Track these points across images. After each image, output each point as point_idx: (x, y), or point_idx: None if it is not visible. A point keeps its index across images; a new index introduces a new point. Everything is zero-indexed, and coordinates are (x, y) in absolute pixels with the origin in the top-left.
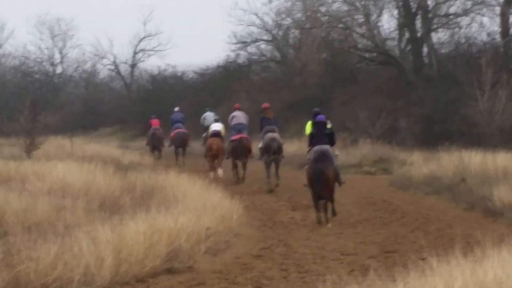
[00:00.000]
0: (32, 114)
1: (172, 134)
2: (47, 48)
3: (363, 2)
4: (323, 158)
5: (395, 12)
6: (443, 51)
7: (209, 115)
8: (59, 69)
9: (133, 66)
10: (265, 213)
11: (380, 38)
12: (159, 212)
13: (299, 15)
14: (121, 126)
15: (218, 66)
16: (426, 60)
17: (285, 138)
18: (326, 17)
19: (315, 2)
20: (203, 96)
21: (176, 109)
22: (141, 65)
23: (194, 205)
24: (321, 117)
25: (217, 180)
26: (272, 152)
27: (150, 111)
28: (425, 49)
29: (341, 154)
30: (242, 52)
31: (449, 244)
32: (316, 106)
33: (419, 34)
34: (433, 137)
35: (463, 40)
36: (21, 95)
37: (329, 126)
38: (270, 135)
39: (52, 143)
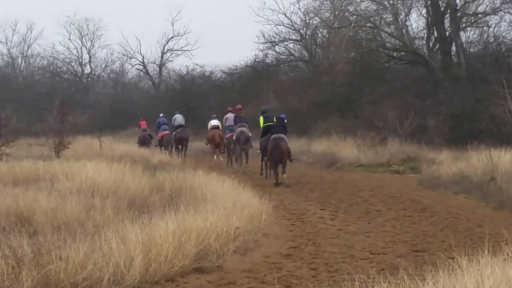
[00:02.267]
0: (61, 114)
1: (159, 135)
2: (75, 48)
3: (391, 1)
4: (280, 139)
5: (424, 11)
6: (471, 50)
7: (178, 116)
8: (87, 69)
9: (161, 66)
10: (293, 212)
11: (409, 37)
12: (188, 212)
13: (327, 14)
14: (150, 126)
15: (246, 66)
16: (454, 59)
17: (313, 137)
18: (354, 16)
19: (343, 1)
20: (231, 95)
21: (161, 115)
22: (169, 65)
23: (223, 205)
24: (283, 115)
25: (219, 164)
26: (242, 143)
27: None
28: (453, 48)
29: (369, 153)
30: (270, 52)
31: (478, 243)
32: (345, 105)
33: (447, 33)
34: (461, 136)
35: (491, 39)
36: (50, 95)
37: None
38: (240, 129)
39: (81, 143)
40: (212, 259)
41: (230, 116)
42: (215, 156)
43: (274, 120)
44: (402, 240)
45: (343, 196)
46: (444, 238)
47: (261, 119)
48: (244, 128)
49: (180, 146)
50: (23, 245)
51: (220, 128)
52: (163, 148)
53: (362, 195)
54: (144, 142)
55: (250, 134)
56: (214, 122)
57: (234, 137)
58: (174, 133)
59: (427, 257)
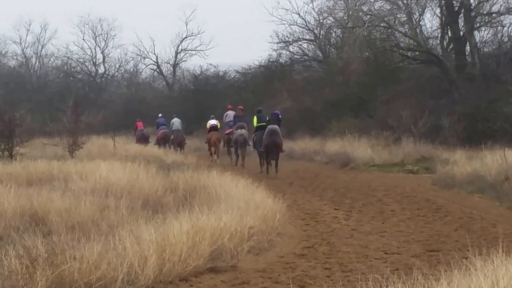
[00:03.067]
0: (75, 114)
1: (158, 134)
2: (89, 48)
3: (405, 1)
4: (275, 133)
5: (438, 10)
6: (486, 49)
7: (176, 120)
8: (101, 69)
9: (175, 65)
10: (307, 212)
11: (423, 36)
12: (202, 212)
13: (341, 14)
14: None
15: (260, 66)
16: (468, 59)
17: (327, 137)
18: (368, 16)
19: (357, 1)
20: (245, 95)
21: (160, 115)
22: (183, 65)
23: (237, 205)
24: (277, 111)
25: (215, 164)
26: (239, 144)
27: (192, 111)
28: (467, 48)
29: (383, 152)
30: (284, 52)
31: (493, 243)
32: (359, 105)
33: (461, 33)
34: (476, 135)
35: (506, 39)
36: (64, 95)
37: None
38: (239, 131)
39: (95, 143)
40: (226, 259)
41: (230, 113)
42: (210, 158)
43: (267, 119)
44: (417, 240)
45: (357, 196)
46: (458, 238)
47: (255, 118)
48: (243, 130)
49: (178, 148)
50: (37, 245)
51: (219, 127)
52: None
53: (376, 195)
54: (141, 139)
55: (248, 136)
56: (213, 122)
57: (233, 139)
58: (171, 137)
59: (441, 257)
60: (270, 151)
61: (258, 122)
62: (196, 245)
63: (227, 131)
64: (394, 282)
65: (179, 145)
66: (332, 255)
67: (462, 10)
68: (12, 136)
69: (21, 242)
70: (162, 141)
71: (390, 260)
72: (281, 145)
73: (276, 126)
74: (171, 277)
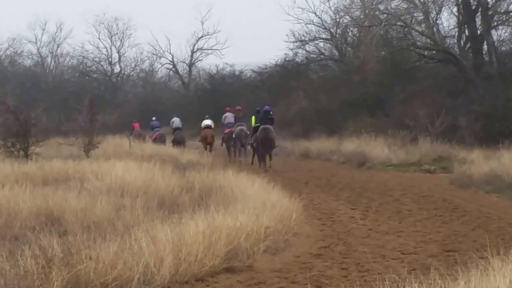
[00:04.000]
0: (90, 114)
1: (154, 136)
2: (105, 48)
3: (422, 0)
4: (268, 130)
5: (455, 9)
6: (503, 48)
7: (176, 119)
8: (117, 69)
9: (190, 65)
10: (324, 212)
11: (440, 35)
12: (218, 211)
13: (357, 13)
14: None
15: (276, 65)
16: (486, 58)
17: (343, 136)
18: (385, 15)
19: (374, 0)
20: (260, 94)
21: (154, 118)
22: (199, 64)
23: (253, 204)
24: (267, 107)
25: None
26: (242, 138)
27: (207, 110)
28: (485, 47)
29: (400, 152)
30: (300, 51)
31: (511, 243)
32: (375, 104)
33: (479, 32)
34: (493, 135)
35: None
36: (79, 95)
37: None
38: (239, 127)
39: (110, 143)
40: (242, 259)
41: (229, 114)
42: (205, 153)
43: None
44: (434, 239)
45: (374, 195)
46: (476, 238)
47: (253, 118)
48: (243, 127)
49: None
50: (53, 244)
51: (213, 127)
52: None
53: (393, 194)
54: (139, 137)
55: (248, 132)
56: (207, 121)
57: (233, 135)
58: (172, 135)
59: (458, 257)
60: (263, 145)
61: (256, 122)
62: (212, 245)
63: (226, 131)
64: (411, 282)
65: (180, 143)
66: (349, 255)
67: (479, 9)
68: (28, 136)
69: (37, 242)
70: (159, 141)
71: (407, 260)
72: (274, 140)
73: (269, 126)
74: (187, 277)
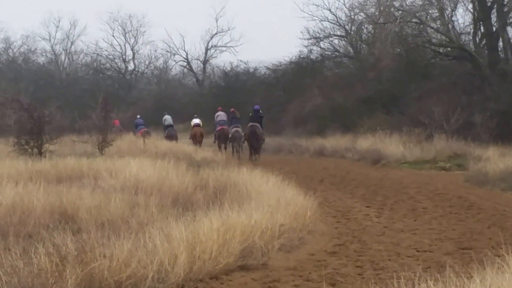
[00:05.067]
0: (104, 111)
1: (139, 133)
2: (119, 45)
3: None
4: (255, 126)
5: (470, 6)
6: None
7: (168, 117)
8: (131, 66)
9: (205, 62)
10: (339, 209)
11: (455, 32)
12: (232, 209)
13: (372, 10)
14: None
15: (291, 62)
16: (501, 55)
17: (358, 133)
18: (400, 12)
19: None
20: (275, 92)
21: (138, 116)
22: (213, 61)
23: (267, 202)
24: (257, 107)
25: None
26: (236, 140)
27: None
28: (500, 44)
29: (415, 149)
30: (315, 48)
31: None
32: (390, 101)
33: (494, 29)
34: (509, 132)
35: None
36: (93, 92)
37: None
38: (235, 129)
39: (125, 140)
40: (256, 257)
41: (221, 113)
42: (195, 146)
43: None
44: (449, 237)
45: (388, 193)
46: (491, 236)
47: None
48: (238, 128)
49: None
50: (67, 242)
51: (201, 125)
52: None
53: (408, 192)
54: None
55: (243, 133)
56: (196, 120)
57: (230, 135)
58: (165, 131)
59: (474, 255)
60: (250, 140)
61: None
62: (227, 242)
63: (218, 128)
64: (426, 280)
65: (171, 139)
66: (364, 253)
67: (495, 6)
68: (42, 134)
69: (51, 240)
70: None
71: (422, 258)
72: (260, 135)
73: (256, 123)
74: (202, 275)
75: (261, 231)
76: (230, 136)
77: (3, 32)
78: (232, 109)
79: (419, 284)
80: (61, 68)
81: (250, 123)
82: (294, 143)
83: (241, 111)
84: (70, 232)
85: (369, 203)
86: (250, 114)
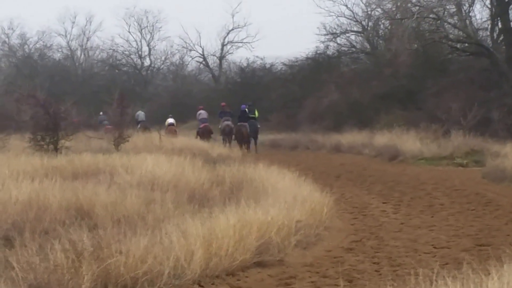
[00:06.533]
0: (120, 107)
1: (104, 129)
2: (135, 41)
3: None
4: (242, 126)
5: (488, 1)
6: None
7: (140, 113)
8: (147, 62)
9: (221, 58)
10: (355, 206)
11: (472, 28)
12: (249, 205)
13: (389, 5)
14: (209, 118)
15: (307, 58)
16: None
17: (375, 129)
18: (417, 7)
19: None
20: (291, 88)
21: (101, 113)
22: (229, 57)
23: (284, 198)
24: (243, 106)
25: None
26: (227, 133)
27: (238, 104)
28: None
29: (432, 145)
30: (331, 44)
31: None
32: (407, 97)
33: None
34: None
35: None
36: (109, 88)
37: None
38: (225, 122)
39: (141, 136)
40: (273, 253)
41: (203, 112)
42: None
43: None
44: (466, 234)
45: (405, 189)
46: (509, 232)
47: (256, 112)
48: (229, 122)
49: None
50: (83, 238)
51: (175, 125)
52: None
53: (425, 188)
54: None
55: (233, 126)
56: (171, 120)
57: (220, 127)
58: (138, 126)
59: (491, 251)
60: (237, 138)
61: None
62: (243, 239)
63: (201, 126)
64: (443, 277)
65: (146, 129)
66: (381, 249)
67: None
68: (57, 129)
69: (67, 236)
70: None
71: (440, 255)
72: (246, 133)
73: (245, 123)
74: (218, 271)
75: (277, 227)
76: (220, 129)
77: (19, 28)
78: (223, 104)
79: (436, 281)
80: (77, 64)
81: (238, 123)
82: (310, 139)
83: (257, 107)
84: (86, 228)
85: (386, 199)
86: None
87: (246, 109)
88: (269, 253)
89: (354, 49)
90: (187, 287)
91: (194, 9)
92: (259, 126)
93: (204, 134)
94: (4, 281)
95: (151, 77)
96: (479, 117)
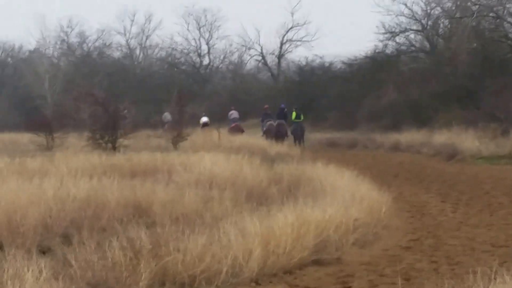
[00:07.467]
0: (179, 106)
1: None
2: (194, 39)
3: None
4: (281, 125)
5: None
6: None
7: (167, 114)
8: (206, 60)
9: (280, 56)
10: (413, 204)
11: None
12: (307, 204)
13: (449, 4)
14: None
15: (366, 57)
16: None
17: (434, 128)
18: (477, 6)
19: None
20: (350, 86)
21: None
22: (288, 56)
23: (342, 196)
24: (282, 105)
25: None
26: (271, 132)
27: (297, 103)
28: None
29: (491, 144)
30: (390, 43)
31: None
32: (466, 96)
33: None
34: None
35: None
36: (168, 87)
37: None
38: (269, 123)
39: (199, 134)
40: (330, 251)
41: (234, 112)
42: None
43: (300, 115)
44: None
45: (464, 188)
46: None
47: (294, 114)
48: (272, 121)
49: None
50: (141, 236)
51: (209, 124)
52: None
53: (483, 187)
54: None
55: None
56: (205, 119)
57: (264, 129)
58: (165, 126)
59: None
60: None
61: (295, 118)
62: (301, 237)
63: (232, 125)
64: (502, 275)
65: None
66: (439, 248)
67: None
68: (116, 128)
69: (125, 234)
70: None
71: (498, 253)
72: (285, 133)
73: (283, 121)
74: (275, 269)
75: (335, 225)
76: (266, 129)
77: (78, 27)
78: (266, 106)
79: (495, 279)
80: (135, 63)
81: (277, 121)
82: (368, 138)
83: (315, 106)
84: (144, 226)
85: (444, 198)
86: (293, 112)
87: (285, 109)
88: (326, 251)
89: (413, 48)
90: (244, 286)
91: (253, 7)
92: (305, 128)
93: (234, 132)
94: (63, 279)
95: (209, 76)
96: None
